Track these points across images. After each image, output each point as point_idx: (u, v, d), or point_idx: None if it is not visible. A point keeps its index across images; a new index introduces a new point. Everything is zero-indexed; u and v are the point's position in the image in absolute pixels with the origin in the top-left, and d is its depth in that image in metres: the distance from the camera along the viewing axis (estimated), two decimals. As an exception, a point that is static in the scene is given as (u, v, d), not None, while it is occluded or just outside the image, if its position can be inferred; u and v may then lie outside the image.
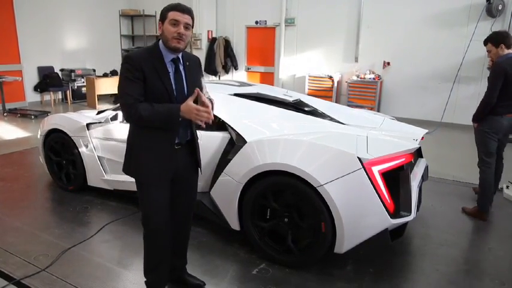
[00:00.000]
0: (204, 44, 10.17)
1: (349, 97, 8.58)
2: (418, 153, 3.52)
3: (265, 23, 9.72)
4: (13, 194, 4.06)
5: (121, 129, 3.65)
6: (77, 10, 10.07)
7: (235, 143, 2.99)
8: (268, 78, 10.01)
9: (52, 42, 9.64)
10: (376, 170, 2.50)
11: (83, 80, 9.78)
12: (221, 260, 2.88)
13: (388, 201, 2.54)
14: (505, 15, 7.13)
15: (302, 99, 3.79)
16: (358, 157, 2.48)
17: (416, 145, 2.82)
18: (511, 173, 4.44)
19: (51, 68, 9.60)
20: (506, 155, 3.97)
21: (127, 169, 2.20)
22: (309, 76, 9.07)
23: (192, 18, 2.03)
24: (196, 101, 1.95)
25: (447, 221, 3.65)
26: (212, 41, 10.16)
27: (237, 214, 2.87)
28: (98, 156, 3.81)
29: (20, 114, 8.12)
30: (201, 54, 9.84)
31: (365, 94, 8.41)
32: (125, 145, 2.21)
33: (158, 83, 2.00)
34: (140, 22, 11.26)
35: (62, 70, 9.80)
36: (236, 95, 3.56)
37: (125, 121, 3.62)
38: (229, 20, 10.15)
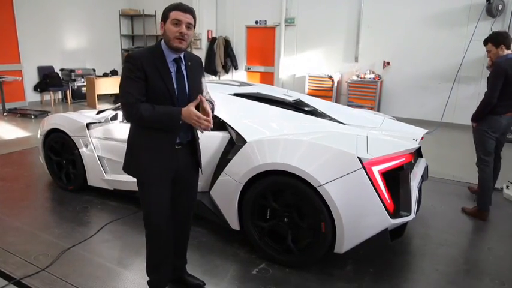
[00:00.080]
0: (204, 43, 10.17)
1: (349, 97, 8.58)
2: (418, 153, 3.52)
3: (265, 23, 9.72)
4: (13, 193, 4.06)
5: (121, 129, 3.64)
6: (77, 10, 10.07)
7: (235, 142, 2.98)
8: (268, 78, 10.01)
9: (52, 42, 9.64)
10: (376, 170, 2.50)
11: (82, 79, 9.78)
12: (221, 259, 2.88)
13: (388, 201, 2.54)
14: (505, 15, 7.13)
15: (302, 99, 3.79)
16: (358, 157, 2.48)
17: (416, 145, 2.82)
18: (511, 173, 4.45)
19: (51, 67, 9.60)
20: (506, 155, 3.97)
21: (127, 168, 2.20)
22: (309, 76, 9.08)
23: (194, 18, 2.04)
24: (198, 106, 1.96)
25: (447, 221, 3.65)
26: (212, 41, 10.16)
27: (237, 214, 2.87)
28: (97, 156, 3.81)
29: (19, 114, 8.12)
30: (201, 54, 9.83)
31: (365, 94, 8.41)
32: (124, 145, 2.21)
33: (160, 83, 2.00)
34: (140, 22, 11.25)
35: (61, 70, 9.80)
36: (236, 94, 3.56)
37: (125, 121, 3.62)
38: (229, 19, 10.15)
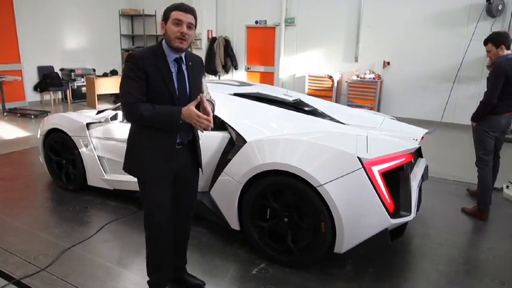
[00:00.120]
0: (204, 43, 10.17)
1: (349, 97, 8.58)
2: (418, 153, 3.52)
3: (265, 23, 9.71)
4: (13, 193, 4.06)
5: (121, 129, 3.64)
6: (77, 10, 10.07)
7: (235, 142, 2.98)
8: (268, 78, 10.01)
9: (52, 41, 9.64)
10: (376, 169, 2.50)
11: (82, 79, 9.77)
12: (221, 259, 2.88)
13: (388, 201, 2.54)
14: (505, 15, 7.13)
15: (302, 99, 3.79)
16: (358, 157, 2.48)
17: (416, 145, 2.82)
18: (511, 173, 4.45)
19: (51, 67, 9.60)
20: (506, 155, 3.97)
21: (128, 168, 2.20)
22: (309, 76, 9.08)
23: (195, 18, 2.04)
24: (198, 106, 1.95)
25: (447, 221, 3.65)
26: (212, 41, 10.16)
27: (237, 214, 2.87)
28: (97, 155, 3.80)
29: (19, 114, 8.12)
30: (201, 54, 9.82)
31: (365, 94, 8.41)
32: (124, 145, 2.21)
33: (160, 83, 2.00)
34: (140, 22, 11.25)
35: (61, 70, 9.80)
36: (236, 94, 3.56)
37: (125, 121, 3.62)
38: (229, 19, 10.15)
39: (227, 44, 10.14)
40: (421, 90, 8.13)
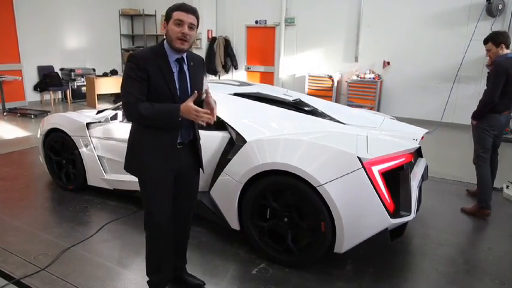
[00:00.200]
0: (204, 43, 10.16)
1: (349, 97, 8.58)
2: (418, 153, 3.52)
3: (265, 23, 9.71)
4: (13, 193, 4.06)
5: (121, 129, 3.64)
6: (77, 9, 10.06)
7: (235, 142, 2.98)
8: (268, 77, 10.01)
9: (52, 41, 9.64)
10: (376, 169, 2.50)
11: (82, 79, 9.77)
12: (221, 259, 2.88)
13: (388, 201, 2.54)
14: (505, 15, 7.13)
15: (302, 99, 3.79)
16: (358, 157, 2.48)
17: (416, 145, 2.82)
18: (511, 173, 4.45)
19: (51, 67, 9.60)
20: (506, 155, 3.97)
21: (129, 167, 2.20)
22: (309, 76, 9.07)
23: (197, 18, 2.04)
24: (200, 102, 1.95)
25: (447, 221, 3.65)
26: (212, 41, 10.16)
27: (237, 214, 2.87)
28: (97, 155, 3.80)
29: (19, 114, 8.11)
30: (201, 54, 9.77)
31: (365, 94, 8.41)
32: (124, 144, 2.21)
33: (162, 83, 2.01)
34: (140, 22, 11.25)
35: (61, 69, 9.79)
36: (236, 94, 3.56)
37: (125, 120, 3.62)
38: (229, 19, 10.15)
39: (227, 43, 10.14)
40: (421, 90, 8.13)
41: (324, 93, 8.64)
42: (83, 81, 9.75)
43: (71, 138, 3.91)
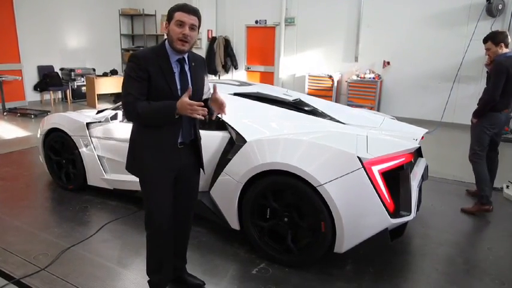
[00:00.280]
0: (204, 43, 10.16)
1: (349, 97, 8.58)
2: (418, 153, 3.52)
3: (265, 23, 9.71)
4: (13, 193, 4.06)
5: (121, 129, 3.64)
6: (77, 9, 10.07)
7: (235, 142, 2.98)
8: (268, 77, 10.01)
9: (52, 41, 9.64)
10: (376, 169, 2.50)
11: (82, 79, 9.78)
12: (221, 259, 2.88)
13: (388, 200, 2.54)
14: (505, 15, 7.13)
15: (302, 99, 3.79)
16: (358, 157, 2.48)
17: (416, 145, 2.82)
18: (511, 173, 4.45)
19: (51, 67, 9.60)
20: (506, 155, 3.97)
21: (130, 167, 2.21)
22: (309, 75, 9.08)
23: (199, 18, 2.03)
24: (204, 101, 1.96)
25: (447, 220, 3.65)
26: (212, 41, 10.16)
27: (237, 214, 2.87)
28: (97, 155, 3.80)
29: (19, 114, 8.11)
30: (201, 54, 9.76)
31: (365, 94, 8.42)
32: (124, 144, 2.21)
33: (163, 83, 2.01)
34: (140, 21, 11.25)
35: (61, 69, 9.79)
36: (236, 94, 3.56)
37: (125, 120, 3.62)
38: (229, 19, 10.15)
39: (227, 43, 10.14)
40: (421, 90, 8.13)
41: (324, 93, 8.64)
42: (83, 81, 9.75)
43: (71, 138, 3.91)
